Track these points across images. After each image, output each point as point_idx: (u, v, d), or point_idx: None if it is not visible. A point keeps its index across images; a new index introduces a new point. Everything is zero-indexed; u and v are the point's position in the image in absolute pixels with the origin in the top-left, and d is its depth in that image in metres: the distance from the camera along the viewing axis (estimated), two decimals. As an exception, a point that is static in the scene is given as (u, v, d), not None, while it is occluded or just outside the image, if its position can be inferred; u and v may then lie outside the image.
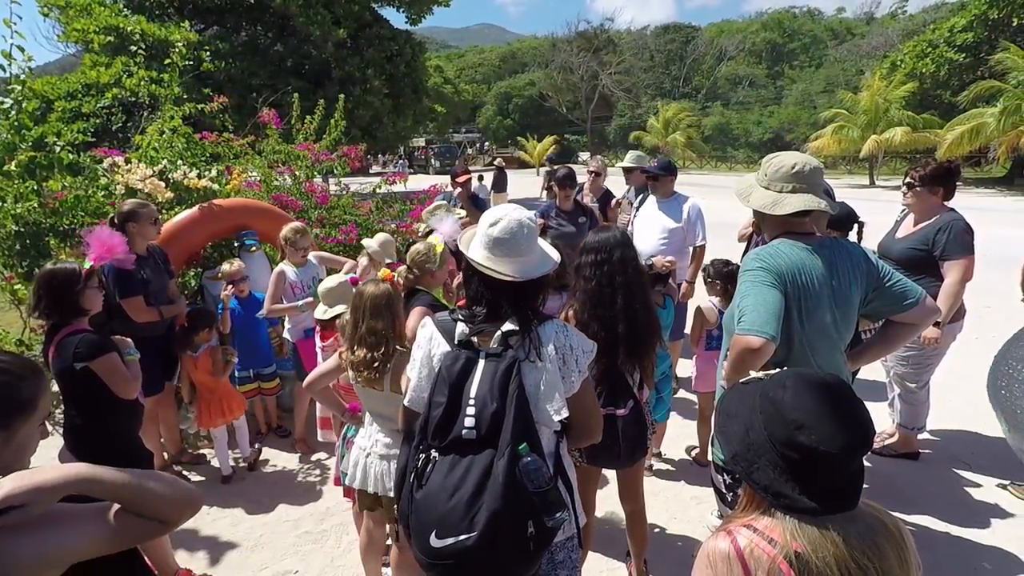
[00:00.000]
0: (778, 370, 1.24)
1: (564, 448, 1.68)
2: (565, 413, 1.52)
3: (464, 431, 1.46)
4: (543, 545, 1.46)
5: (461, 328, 1.59)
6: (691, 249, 4.38)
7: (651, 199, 4.57)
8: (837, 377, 1.16)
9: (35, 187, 3.88)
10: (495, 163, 19.17)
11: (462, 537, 1.37)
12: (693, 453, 3.78)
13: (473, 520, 1.37)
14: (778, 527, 1.05)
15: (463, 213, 4.84)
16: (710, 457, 2.33)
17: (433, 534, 1.40)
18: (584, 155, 48.15)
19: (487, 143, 51.84)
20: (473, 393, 1.48)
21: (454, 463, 1.45)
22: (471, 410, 1.46)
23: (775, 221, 2.00)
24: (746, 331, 1.79)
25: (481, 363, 1.52)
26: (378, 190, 6.59)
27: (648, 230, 4.45)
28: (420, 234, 4.13)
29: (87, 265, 2.51)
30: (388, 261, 3.90)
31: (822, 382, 1.12)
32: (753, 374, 1.27)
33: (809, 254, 1.91)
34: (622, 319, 2.22)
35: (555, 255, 1.65)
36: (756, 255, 1.95)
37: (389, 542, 2.64)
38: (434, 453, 1.49)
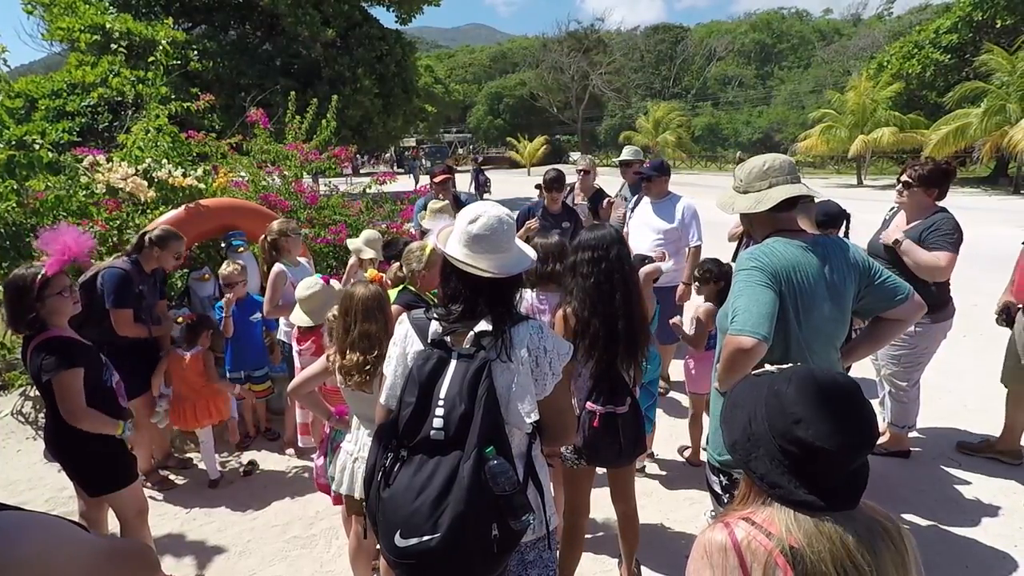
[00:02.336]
0: (790, 365, 1.23)
1: (536, 449, 1.67)
2: (535, 416, 1.52)
3: (432, 432, 1.45)
4: (508, 548, 1.47)
5: (434, 327, 1.58)
6: (686, 250, 4.37)
7: (645, 200, 4.54)
8: (848, 377, 1.14)
9: (15, 187, 3.81)
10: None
11: (426, 538, 1.37)
12: (685, 454, 3.77)
13: (437, 521, 1.37)
14: (776, 521, 1.05)
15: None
16: (703, 457, 2.33)
17: (398, 534, 1.40)
18: (575, 155, 48.28)
19: (478, 143, 51.81)
20: (443, 394, 1.47)
21: (421, 463, 1.45)
22: (440, 411, 1.46)
23: (763, 221, 2.00)
24: (738, 331, 1.78)
25: (453, 363, 1.50)
26: (368, 190, 6.55)
27: (642, 232, 4.43)
28: (401, 226, 4.12)
29: (40, 274, 2.32)
30: (371, 255, 3.87)
31: (829, 379, 1.11)
32: (767, 368, 1.25)
33: (803, 252, 1.90)
34: (622, 316, 2.21)
35: (532, 253, 1.66)
36: (750, 255, 1.94)
37: (379, 546, 2.60)
38: (402, 453, 1.49)
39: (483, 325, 1.53)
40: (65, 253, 2.42)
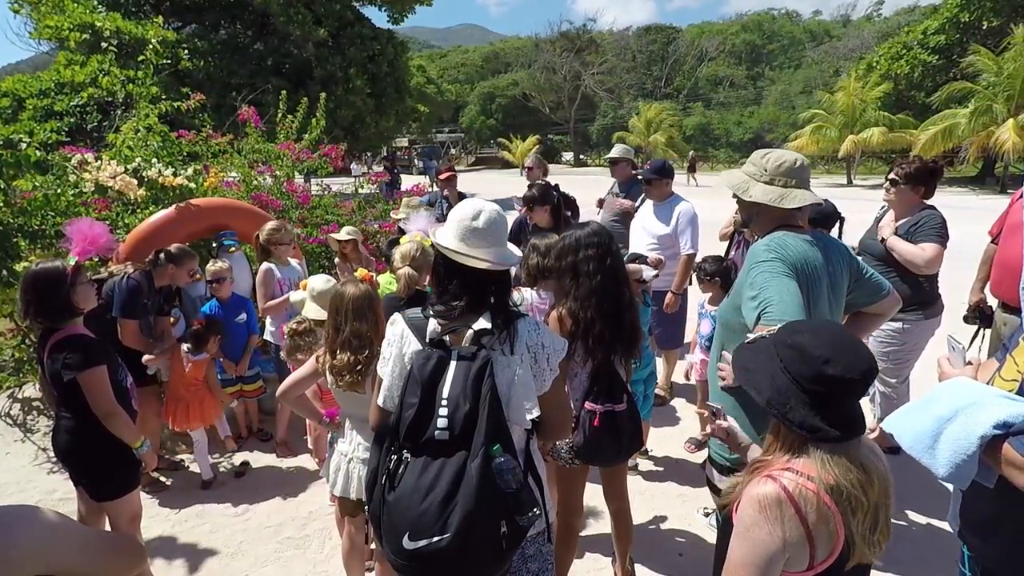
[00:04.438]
0: (778, 325, 1.41)
1: (534, 445, 1.69)
2: (536, 412, 1.53)
3: (437, 432, 1.45)
4: (515, 544, 1.48)
5: (433, 326, 1.57)
6: (680, 257, 4.14)
7: (648, 202, 4.44)
8: (833, 322, 1.35)
9: (1, 186, 3.76)
10: (384, 165, 19.26)
11: (435, 539, 1.37)
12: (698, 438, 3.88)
13: (447, 522, 1.37)
14: (812, 464, 1.18)
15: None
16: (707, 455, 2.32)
17: (406, 536, 1.40)
18: (568, 155, 48.33)
19: (469, 143, 51.77)
20: (446, 394, 1.47)
21: (426, 464, 1.44)
22: (444, 411, 1.45)
23: (773, 215, 1.98)
24: (776, 321, 1.69)
25: (453, 363, 1.50)
26: (360, 190, 6.53)
27: (639, 234, 4.37)
28: (395, 226, 4.15)
29: (72, 261, 2.42)
30: (350, 237, 3.95)
31: (827, 324, 1.33)
32: (752, 335, 1.40)
33: (810, 246, 1.92)
34: (627, 311, 2.21)
35: (517, 251, 1.69)
36: (768, 247, 1.90)
37: (373, 546, 2.60)
38: (406, 454, 1.48)
39: (482, 323, 1.53)
40: (93, 244, 2.51)
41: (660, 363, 4.39)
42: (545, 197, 4.11)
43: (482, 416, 1.42)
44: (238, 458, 3.90)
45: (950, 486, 1.47)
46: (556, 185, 4.44)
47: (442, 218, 5.14)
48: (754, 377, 1.31)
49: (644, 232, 4.35)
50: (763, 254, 1.89)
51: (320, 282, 2.89)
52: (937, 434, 1.37)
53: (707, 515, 3.15)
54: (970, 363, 1.60)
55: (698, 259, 4.11)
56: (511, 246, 1.67)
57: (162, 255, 3.52)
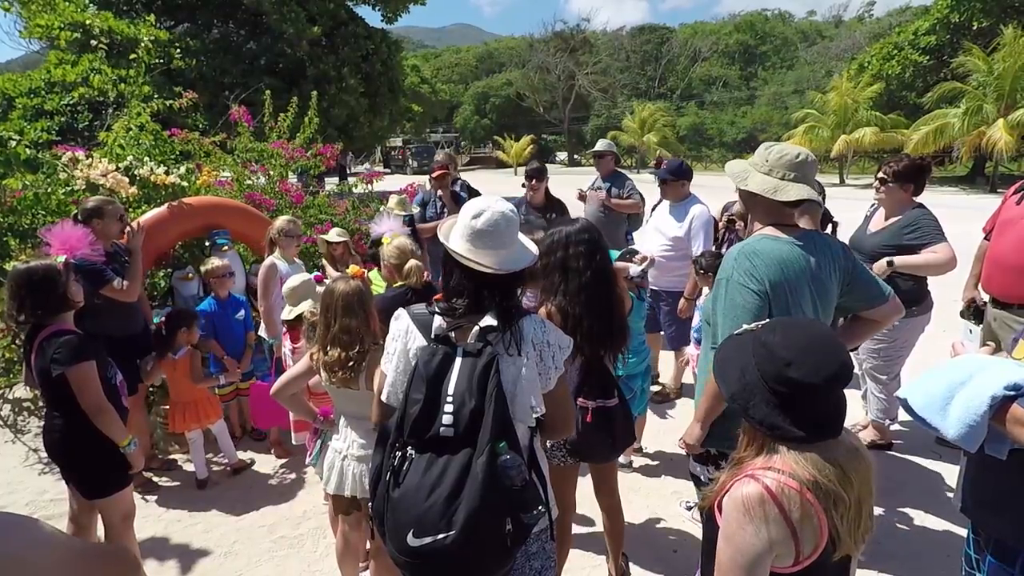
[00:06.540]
0: (768, 320, 1.40)
1: (537, 442, 1.68)
2: (541, 410, 1.53)
3: (442, 429, 1.43)
4: (519, 541, 1.47)
5: (438, 322, 1.56)
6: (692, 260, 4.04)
7: (664, 202, 4.40)
8: (818, 321, 1.32)
9: (-9, 185, 3.73)
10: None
11: (440, 536, 1.36)
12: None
13: (452, 519, 1.36)
14: (790, 462, 1.17)
15: (402, 213, 4.88)
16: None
17: (410, 533, 1.38)
18: (562, 155, 48.41)
19: (463, 143, 51.79)
20: (451, 390, 1.45)
21: (431, 461, 1.43)
22: (449, 407, 1.44)
23: (768, 207, 1.96)
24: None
25: (458, 360, 1.49)
26: (353, 189, 6.51)
27: (652, 235, 4.36)
28: (389, 212, 4.25)
29: (60, 260, 2.45)
30: (341, 239, 4.10)
31: (807, 325, 1.31)
32: (746, 327, 1.40)
33: (791, 247, 1.89)
34: (616, 307, 2.21)
35: (534, 249, 1.65)
36: (737, 260, 1.88)
37: (368, 546, 2.59)
38: (410, 451, 1.47)
39: (488, 320, 1.52)
40: (80, 242, 2.58)
41: (661, 359, 4.39)
42: (542, 172, 4.85)
43: (488, 413, 1.41)
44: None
45: (951, 481, 1.49)
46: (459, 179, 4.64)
47: (435, 217, 5.14)
48: (727, 368, 1.30)
49: (657, 233, 4.30)
50: (733, 271, 1.87)
51: (288, 283, 2.96)
52: (949, 397, 1.40)
53: (689, 508, 3.17)
54: (986, 345, 1.62)
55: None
56: (526, 243, 1.63)
57: (81, 217, 3.21)
